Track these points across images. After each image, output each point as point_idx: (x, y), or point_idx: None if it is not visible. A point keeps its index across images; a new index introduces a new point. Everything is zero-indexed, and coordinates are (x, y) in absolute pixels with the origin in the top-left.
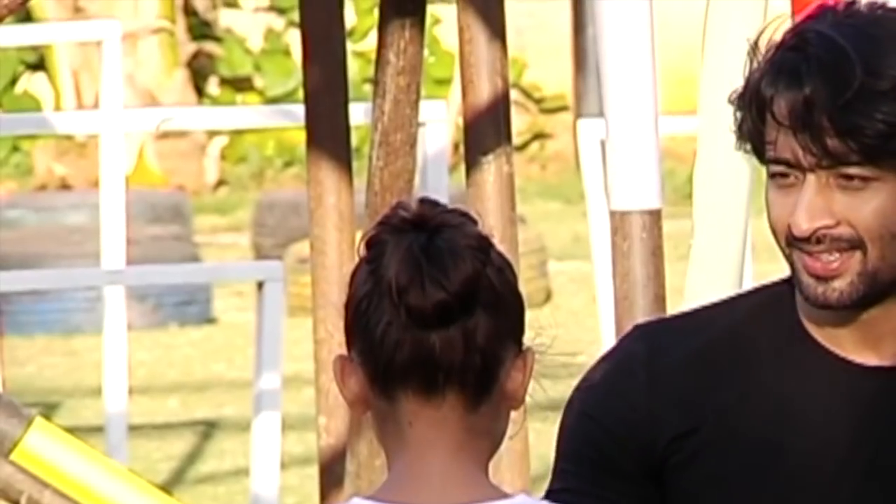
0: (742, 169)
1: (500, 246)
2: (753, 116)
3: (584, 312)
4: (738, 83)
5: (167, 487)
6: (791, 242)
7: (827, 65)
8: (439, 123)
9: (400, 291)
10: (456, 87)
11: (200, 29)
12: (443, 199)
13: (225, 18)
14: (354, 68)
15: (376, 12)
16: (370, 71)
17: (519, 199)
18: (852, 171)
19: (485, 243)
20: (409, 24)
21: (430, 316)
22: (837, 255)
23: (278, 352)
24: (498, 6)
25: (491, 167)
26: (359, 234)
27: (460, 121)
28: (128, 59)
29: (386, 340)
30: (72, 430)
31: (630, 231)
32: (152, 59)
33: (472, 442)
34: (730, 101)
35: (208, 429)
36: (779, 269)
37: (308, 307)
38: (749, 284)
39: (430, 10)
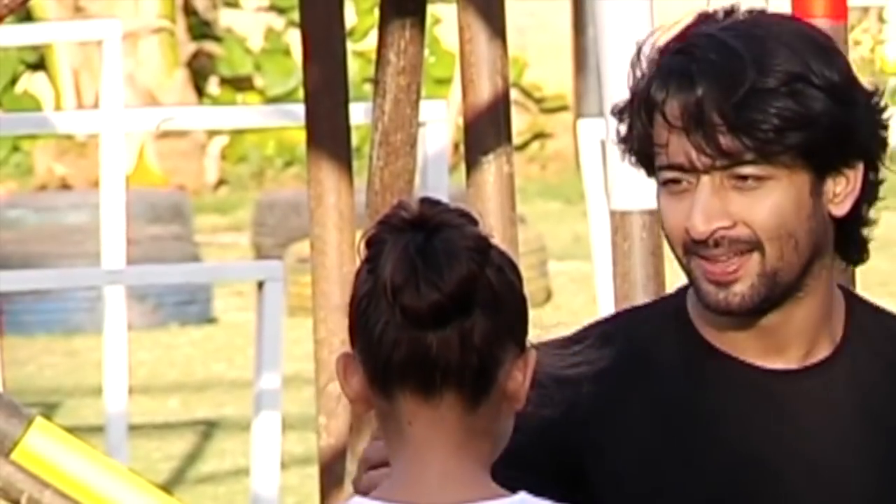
0: None
1: (500, 246)
2: (644, 122)
3: (585, 312)
4: None
5: (167, 487)
6: (689, 249)
7: (717, 65)
8: (439, 123)
9: (395, 292)
10: (456, 87)
11: (201, 28)
12: (443, 198)
13: (225, 18)
14: (354, 68)
15: (376, 12)
16: (370, 70)
17: (519, 199)
18: (746, 170)
19: (483, 244)
20: (409, 24)
21: (424, 316)
22: (736, 258)
23: (278, 351)
24: (498, 6)
25: (491, 167)
26: (359, 234)
27: (460, 120)
28: (128, 58)
29: (384, 340)
30: (72, 430)
31: (630, 231)
32: (152, 58)
33: (471, 441)
34: (613, 113)
35: (208, 428)
36: None
37: (308, 307)
38: None
39: (431, 9)
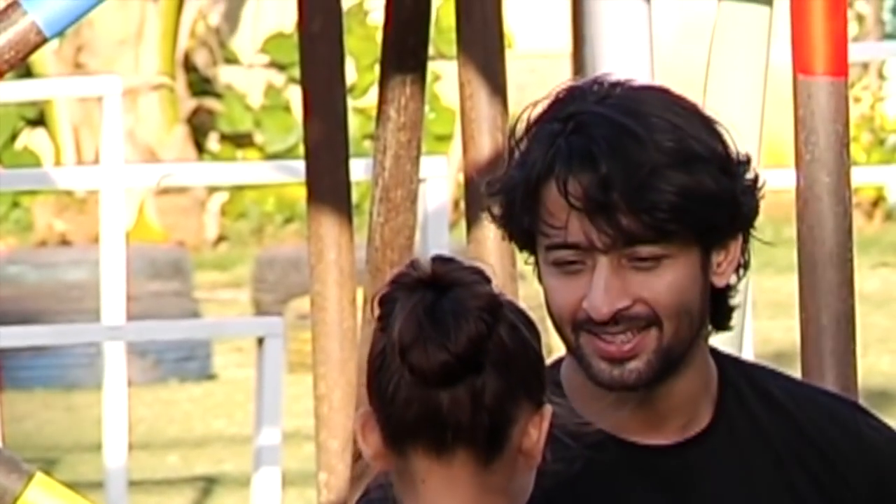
0: None
1: (517, 302)
2: (538, 202)
3: None
4: (741, 130)
5: None
6: (580, 326)
7: (616, 144)
8: (440, 179)
9: (403, 351)
10: (456, 144)
11: (200, 85)
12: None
13: (225, 75)
14: (355, 124)
15: (377, 68)
16: (371, 127)
17: (519, 256)
18: (645, 250)
19: (495, 302)
20: (409, 81)
21: (434, 376)
22: (632, 335)
23: (278, 408)
24: (499, 62)
25: (492, 224)
26: (360, 290)
27: (461, 177)
28: (128, 114)
29: (396, 398)
30: (72, 486)
31: None
32: (152, 114)
33: (485, 499)
34: (492, 192)
35: (208, 485)
36: (781, 327)
37: (308, 363)
38: (749, 342)
39: (431, 66)
